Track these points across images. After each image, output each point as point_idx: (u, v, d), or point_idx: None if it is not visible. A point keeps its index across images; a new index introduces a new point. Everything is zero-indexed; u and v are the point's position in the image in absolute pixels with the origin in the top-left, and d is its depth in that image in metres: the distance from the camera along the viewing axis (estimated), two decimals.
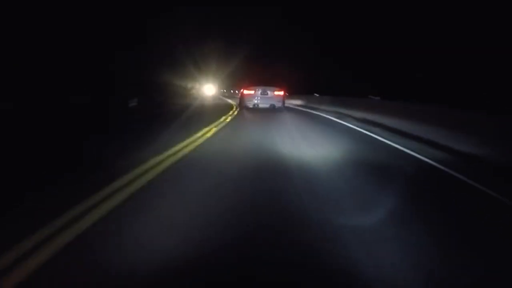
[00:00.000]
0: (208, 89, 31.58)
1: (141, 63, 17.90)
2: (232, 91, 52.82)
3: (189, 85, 28.80)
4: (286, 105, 16.23)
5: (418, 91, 16.90)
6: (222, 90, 52.72)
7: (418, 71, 18.61)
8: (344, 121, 12.25)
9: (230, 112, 13.96)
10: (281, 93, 14.86)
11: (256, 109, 14.77)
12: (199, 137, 7.01)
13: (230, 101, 27.71)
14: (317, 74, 28.51)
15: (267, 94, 14.62)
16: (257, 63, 31.46)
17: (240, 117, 12.68)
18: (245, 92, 14.98)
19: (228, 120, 11.14)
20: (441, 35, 16.36)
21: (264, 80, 15.19)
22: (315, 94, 23.40)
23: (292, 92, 25.30)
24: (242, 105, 15.34)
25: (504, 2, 13.57)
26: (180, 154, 5.33)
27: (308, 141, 7.59)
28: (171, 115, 12.93)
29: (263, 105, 14.63)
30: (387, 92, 18.22)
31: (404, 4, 19.20)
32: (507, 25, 13.23)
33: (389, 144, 7.41)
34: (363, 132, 9.43)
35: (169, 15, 21.29)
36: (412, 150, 6.57)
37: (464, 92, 14.55)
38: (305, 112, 17.36)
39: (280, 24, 31.61)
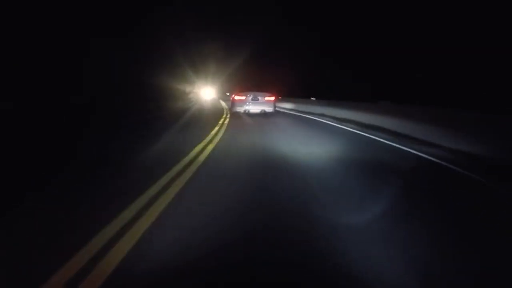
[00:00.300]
0: (207, 92, 30.73)
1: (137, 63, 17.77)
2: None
3: (188, 89, 28.32)
4: (284, 110, 16.35)
5: (418, 91, 16.89)
6: (227, 94, 51.23)
7: (418, 71, 18.61)
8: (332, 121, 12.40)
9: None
10: (272, 98, 14.98)
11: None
12: None
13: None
14: (316, 75, 28.50)
15: (258, 99, 14.76)
16: (257, 64, 31.47)
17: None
18: (236, 97, 15.13)
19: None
20: (441, 35, 16.36)
21: (256, 86, 15.35)
22: (312, 98, 23.44)
23: (288, 95, 25.25)
24: (233, 110, 15.44)
25: (504, 2, 13.57)
26: None
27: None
28: None
29: (254, 110, 14.79)
30: (387, 92, 18.20)
31: (404, 4, 19.20)
32: (507, 25, 13.23)
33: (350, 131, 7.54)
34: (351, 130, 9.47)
35: (168, 15, 21.25)
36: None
37: (464, 92, 14.55)
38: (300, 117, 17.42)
39: (280, 24, 31.65)
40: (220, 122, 11.61)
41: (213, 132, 8.62)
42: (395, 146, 7.59)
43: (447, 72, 16.59)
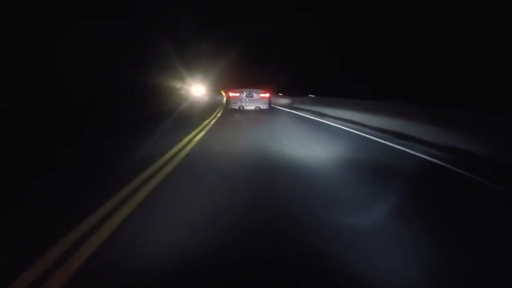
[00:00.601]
0: (197, 89, 30.31)
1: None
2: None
3: (179, 86, 27.86)
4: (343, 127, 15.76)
5: (418, 91, 16.88)
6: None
7: (418, 71, 18.59)
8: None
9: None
10: (267, 95, 14.98)
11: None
12: None
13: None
14: (316, 74, 28.48)
15: (253, 96, 14.79)
16: (254, 62, 31.38)
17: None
18: (231, 94, 15.19)
19: None
20: (441, 35, 16.36)
21: (250, 82, 15.43)
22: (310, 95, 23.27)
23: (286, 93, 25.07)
24: (227, 107, 15.52)
25: (504, 2, 13.57)
26: None
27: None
28: None
29: (248, 107, 14.81)
30: (387, 92, 18.19)
31: (404, 4, 19.20)
32: (507, 25, 13.23)
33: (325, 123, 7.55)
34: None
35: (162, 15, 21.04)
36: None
37: (464, 92, 14.54)
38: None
39: (279, 23, 31.61)
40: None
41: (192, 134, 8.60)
42: None
43: (447, 72, 16.58)
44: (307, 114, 15.88)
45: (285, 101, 25.07)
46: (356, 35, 23.42)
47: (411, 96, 15.50)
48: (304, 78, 28.75)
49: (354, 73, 22.90)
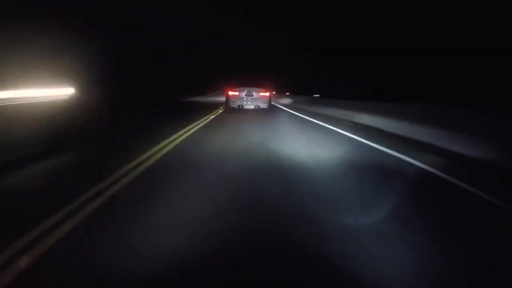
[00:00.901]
0: None
1: None
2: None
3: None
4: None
5: (418, 91, 16.86)
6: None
7: (418, 71, 18.57)
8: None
9: None
10: (267, 94, 14.82)
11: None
12: None
13: None
14: (314, 75, 28.47)
15: (252, 95, 14.64)
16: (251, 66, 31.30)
17: None
18: (230, 93, 15.02)
19: None
20: (441, 35, 16.34)
21: (250, 81, 15.22)
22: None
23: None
24: (228, 106, 15.35)
25: (504, 2, 13.56)
26: None
27: None
28: None
29: (248, 106, 14.69)
30: (387, 92, 18.17)
31: (403, 3, 19.18)
32: (507, 25, 13.22)
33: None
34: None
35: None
36: None
37: (464, 92, 14.52)
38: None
39: (278, 23, 31.55)
40: None
41: None
42: None
43: (447, 72, 16.56)
44: None
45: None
46: (355, 35, 23.41)
47: (411, 96, 15.50)
48: (300, 79, 28.77)
49: (354, 73, 22.89)
